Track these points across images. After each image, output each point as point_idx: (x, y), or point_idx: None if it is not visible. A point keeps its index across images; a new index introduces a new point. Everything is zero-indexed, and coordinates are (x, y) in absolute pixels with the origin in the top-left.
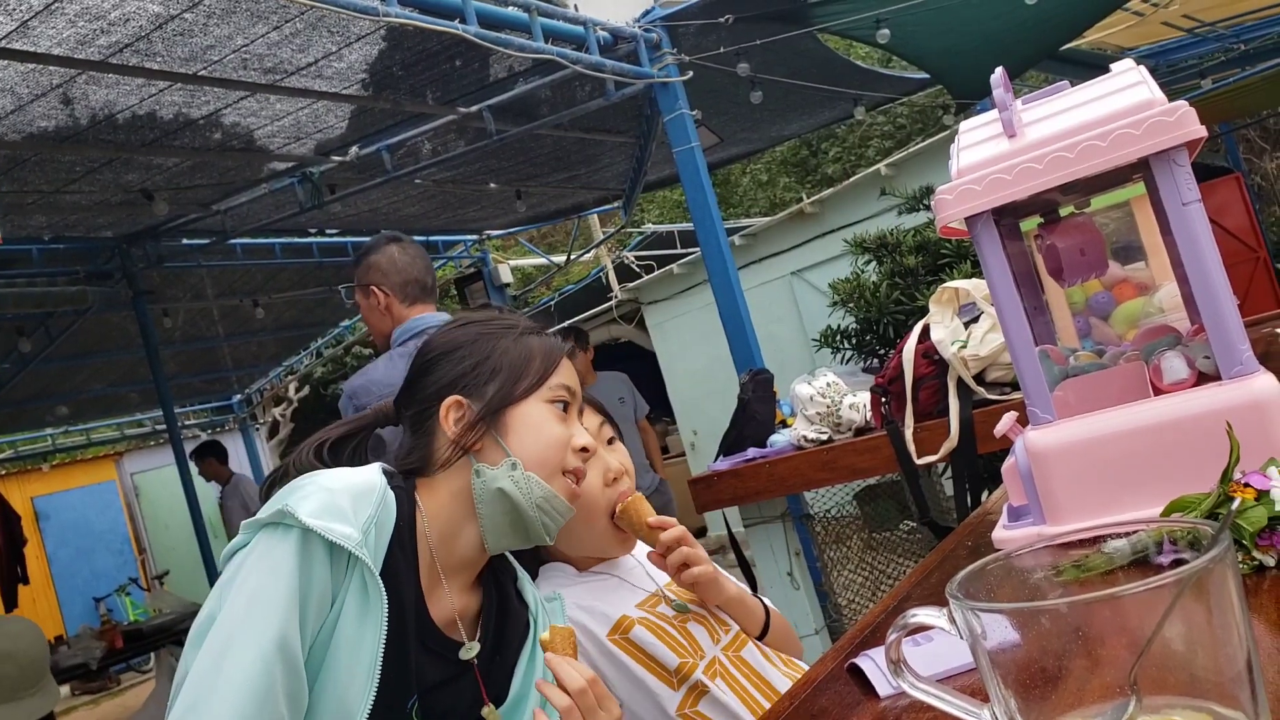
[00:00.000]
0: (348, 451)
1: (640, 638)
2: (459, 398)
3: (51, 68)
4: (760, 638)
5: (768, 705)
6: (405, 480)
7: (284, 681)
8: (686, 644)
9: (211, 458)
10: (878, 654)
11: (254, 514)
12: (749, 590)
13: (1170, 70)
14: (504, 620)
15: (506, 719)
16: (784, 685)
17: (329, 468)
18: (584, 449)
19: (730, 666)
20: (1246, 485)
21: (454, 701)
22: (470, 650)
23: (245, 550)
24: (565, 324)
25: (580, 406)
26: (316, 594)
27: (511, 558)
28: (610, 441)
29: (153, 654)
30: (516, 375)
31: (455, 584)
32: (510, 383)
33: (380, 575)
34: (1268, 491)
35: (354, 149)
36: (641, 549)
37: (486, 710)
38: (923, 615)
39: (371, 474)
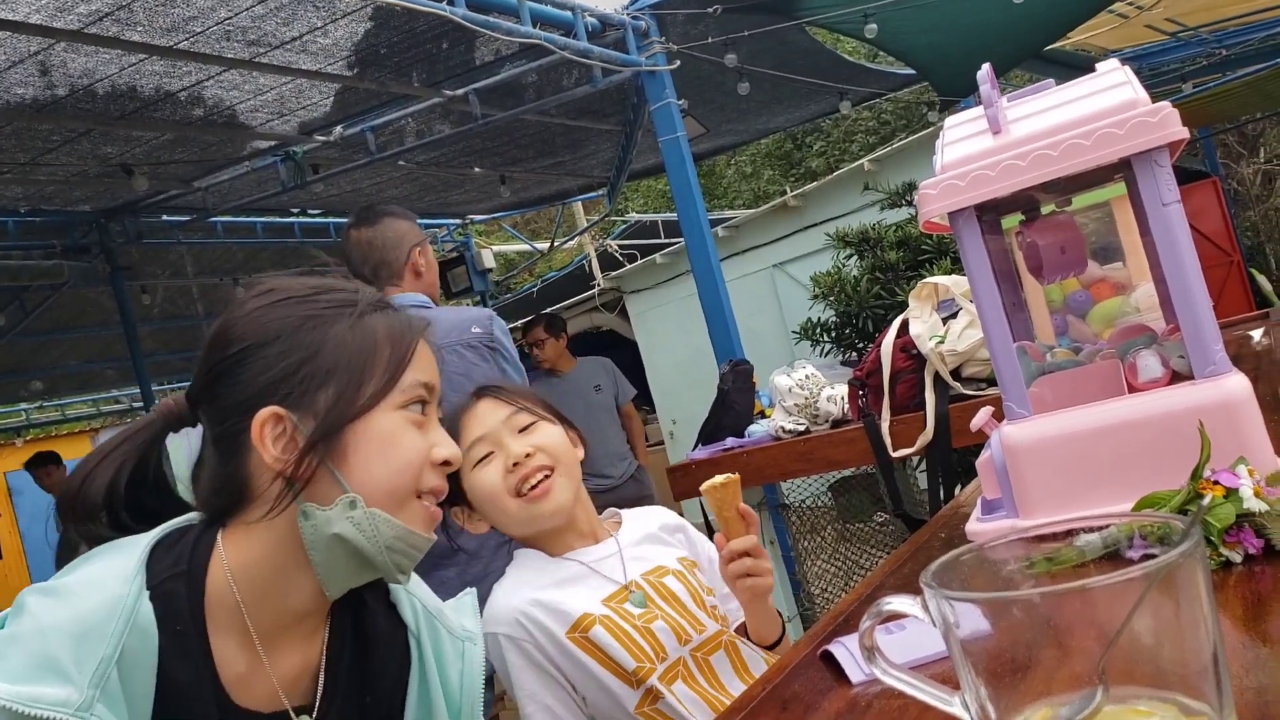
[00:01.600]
0: (150, 471)
1: (599, 638)
2: (278, 410)
3: (29, 36)
4: (771, 647)
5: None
6: (206, 536)
7: None
8: (648, 646)
9: (51, 464)
10: (850, 641)
11: None
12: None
13: (1152, 73)
14: (363, 660)
15: None
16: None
17: (125, 517)
18: (446, 462)
19: (695, 669)
20: (1216, 483)
21: None
22: None
23: None
24: (543, 312)
25: (441, 400)
26: None
27: None
28: (524, 429)
29: None
30: (358, 378)
31: (288, 641)
32: (350, 389)
33: (158, 696)
34: (1236, 489)
35: (338, 129)
36: (627, 536)
37: None
38: (897, 603)
39: (115, 587)
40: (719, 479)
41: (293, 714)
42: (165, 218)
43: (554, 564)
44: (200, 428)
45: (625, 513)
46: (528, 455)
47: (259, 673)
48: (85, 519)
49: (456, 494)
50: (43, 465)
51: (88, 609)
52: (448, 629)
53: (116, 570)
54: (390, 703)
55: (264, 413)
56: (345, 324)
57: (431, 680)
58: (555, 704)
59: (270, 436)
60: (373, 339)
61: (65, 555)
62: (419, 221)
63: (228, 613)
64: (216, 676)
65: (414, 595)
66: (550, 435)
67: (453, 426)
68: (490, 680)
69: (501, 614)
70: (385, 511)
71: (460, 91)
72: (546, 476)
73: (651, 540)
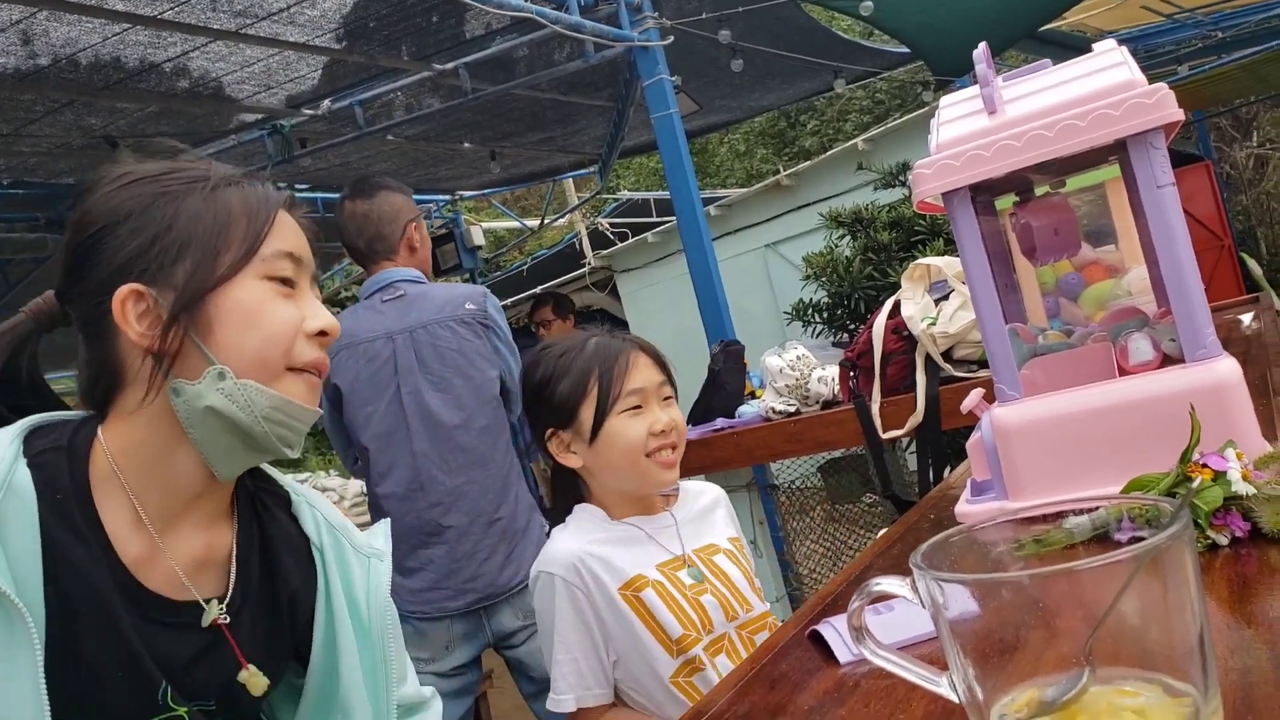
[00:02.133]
0: (23, 373)
1: (649, 600)
2: (137, 286)
3: (10, 4)
4: None
5: None
6: (86, 425)
7: None
8: (695, 617)
9: None
10: (839, 621)
11: None
12: None
13: (1148, 55)
14: (271, 558)
15: (320, 685)
16: None
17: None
18: (322, 333)
19: (739, 645)
20: (1204, 466)
21: (215, 674)
22: (211, 613)
23: None
24: (543, 288)
25: (314, 276)
26: None
27: (282, 479)
28: (666, 400)
29: None
30: (213, 248)
31: (186, 527)
32: (207, 260)
33: (46, 563)
34: (1224, 473)
35: (326, 103)
36: (683, 511)
37: (244, 674)
38: (886, 584)
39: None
40: None
41: (203, 602)
42: None
43: (614, 524)
44: None
45: (683, 484)
46: (672, 428)
47: (159, 556)
48: None
49: (560, 419)
50: None
51: None
52: (353, 545)
53: None
54: (296, 615)
55: (123, 290)
56: (198, 198)
57: (336, 596)
58: (583, 661)
59: (133, 314)
60: (227, 211)
61: None
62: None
63: (116, 494)
64: (115, 556)
65: (317, 509)
66: (680, 416)
67: (610, 361)
68: (478, 660)
69: (560, 557)
70: (262, 381)
71: (450, 65)
72: (674, 450)
73: (705, 517)
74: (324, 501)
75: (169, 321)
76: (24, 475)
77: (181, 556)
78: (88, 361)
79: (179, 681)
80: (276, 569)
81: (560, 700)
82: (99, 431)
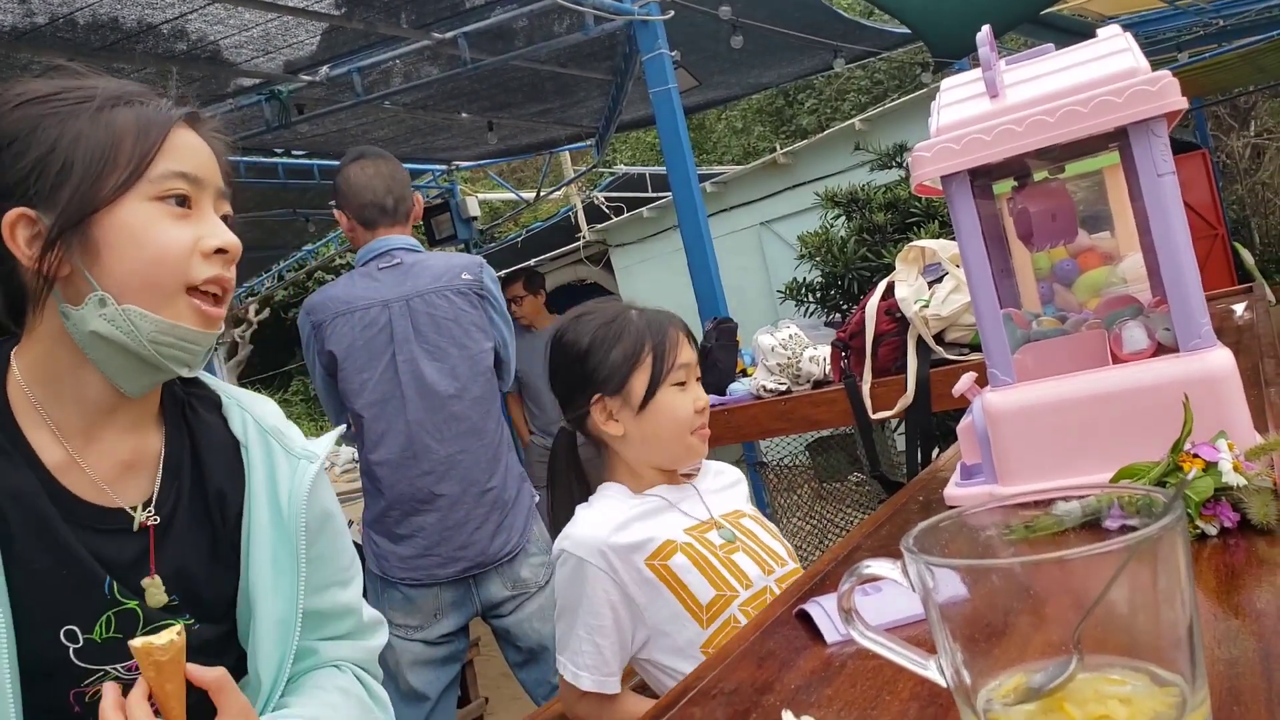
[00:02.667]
0: None
1: (678, 565)
2: (24, 210)
3: None
4: None
5: None
6: (2, 348)
7: None
8: (729, 575)
9: None
10: (826, 601)
11: None
12: None
13: (1148, 41)
14: (199, 460)
15: (252, 594)
16: None
17: None
18: (220, 250)
19: None
20: (1196, 456)
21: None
22: (138, 516)
23: None
24: (522, 266)
25: (219, 193)
26: None
27: (215, 382)
28: (698, 379)
29: None
30: (96, 169)
31: (110, 435)
32: (88, 181)
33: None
34: (1216, 463)
35: (324, 69)
36: (704, 484)
37: (147, 581)
38: (876, 566)
39: None
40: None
41: (128, 509)
42: None
43: (637, 498)
44: None
45: (705, 462)
46: (706, 406)
47: (79, 466)
48: None
49: (610, 387)
50: None
51: None
52: (285, 447)
53: None
54: (224, 517)
55: (11, 214)
56: (85, 118)
57: (258, 495)
58: (606, 648)
59: (22, 237)
60: (113, 130)
61: None
62: (405, 166)
63: (32, 411)
64: (42, 467)
65: (248, 411)
66: (705, 398)
67: (661, 334)
68: (465, 628)
69: (587, 541)
70: (146, 307)
71: (450, 35)
72: (706, 426)
73: (727, 490)
74: (261, 403)
75: (46, 245)
76: None
77: (104, 465)
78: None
79: (127, 581)
80: (204, 469)
81: (577, 675)
82: (10, 355)
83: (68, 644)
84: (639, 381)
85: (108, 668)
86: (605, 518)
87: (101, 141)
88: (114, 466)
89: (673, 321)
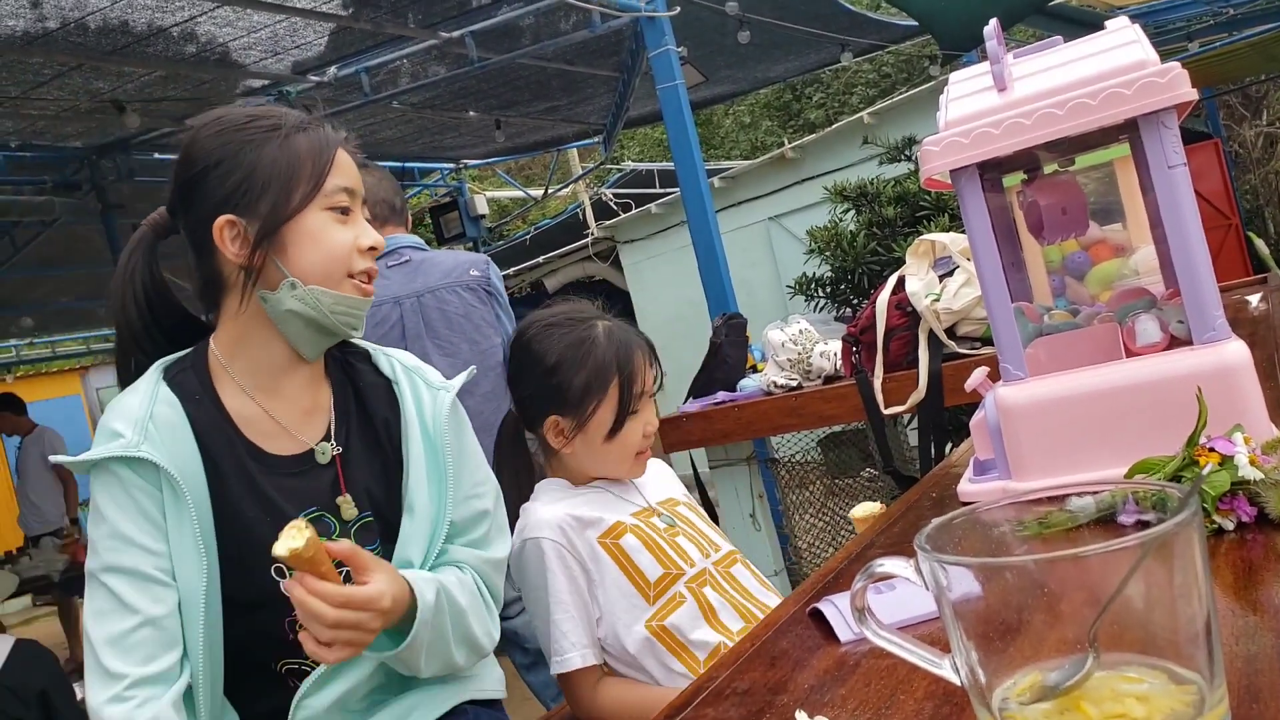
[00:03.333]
0: (155, 278)
1: (628, 545)
2: (231, 217)
3: None
4: None
5: (757, 613)
6: (200, 346)
7: (132, 592)
8: (675, 555)
9: (6, 411)
10: (839, 599)
11: (53, 466)
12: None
13: (1158, 31)
14: (363, 400)
15: (411, 500)
16: (768, 599)
17: (158, 334)
18: (372, 248)
19: (720, 579)
20: (1212, 450)
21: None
22: (325, 452)
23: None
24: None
25: (363, 200)
26: (135, 505)
27: (361, 341)
28: (652, 396)
29: None
30: (287, 188)
31: (290, 392)
32: (282, 197)
33: (199, 445)
34: (1232, 457)
35: (332, 69)
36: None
37: (340, 499)
38: (889, 565)
39: (142, 382)
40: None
41: (314, 446)
42: (157, 155)
43: (581, 489)
44: None
45: None
46: (655, 429)
47: (271, 420)
48: (137, 335)
49: (570, 410)
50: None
51: (127, 401)
52: (426, 381)
53: (140, 382)
54: (390, 440)
55: (220, 220)
56: (274, 145)
57: (411, 420)
58: (581, 620)
59: (228, 238)
60: (297, 155)
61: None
62: (412, 165)
63: (230, 382)
64: (240, 432)
65: (393, 357)
66: (654, 418)
67: (628, 364)
68: None
69: (543, 521)
70: (325, 287)
71: (457, 33)
72: (649, 450)
73: (657, 480)
74: (399, 351)
75: (254, 247)
76: (167, 390)
77: (290, 412)
78: (197, 270)
79: (325, 505)
80: (368, 406)
81: (566, 660)
82: (210, 341)
83: (278, 578)
84: (603, 413)
85: None
86: (554, 503)
87: (289, 164)
88: (298, 414)
89: (639, 345)
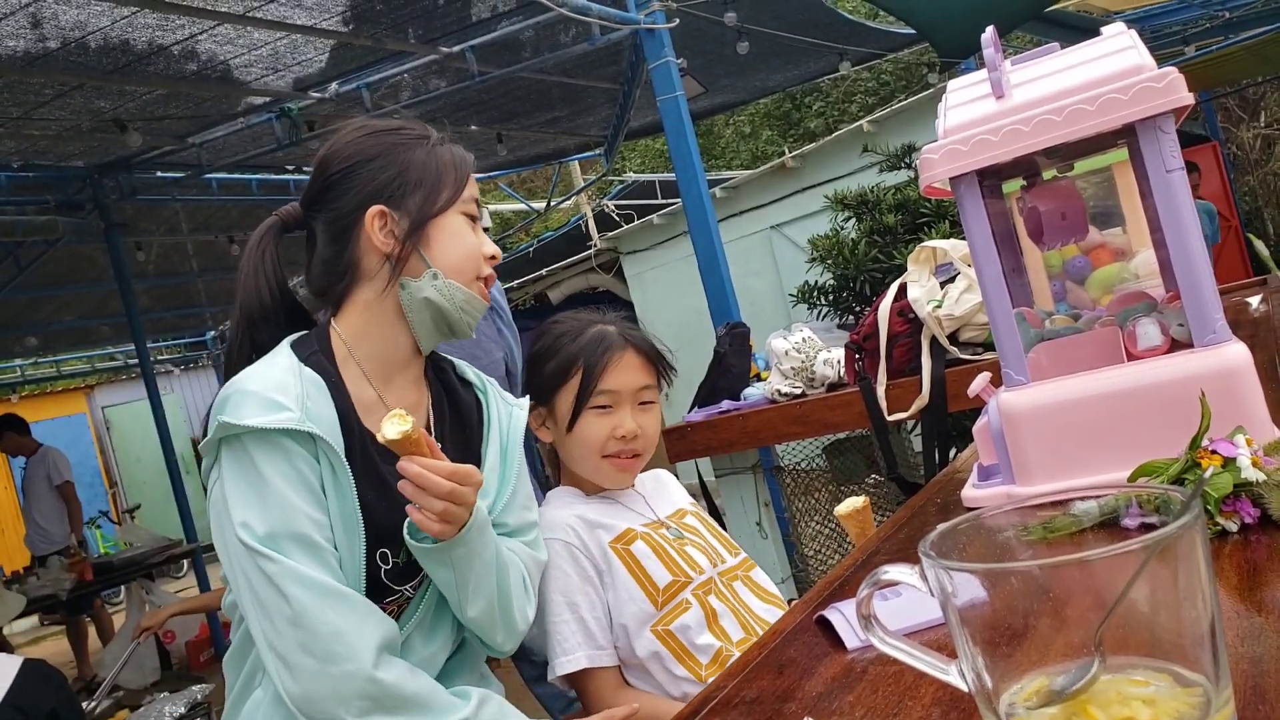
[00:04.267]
0: (278, 268)
1: (638, 551)
2: (383, 208)
3: None
4: None
5: (756, 626)
6: (319, 331)
7: (304, 557)
8: (683, 563)
9: (10, 432)
10: (846, 607)
11: (57, 485)
12: None
13: (1154, 35)
14: (455, 406)
15: (483, 496)
16: (768, 614)
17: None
18: (492, 257)
19: (724, 588)
20: (1214, 452)
21: None
22: None
23: (217, 477)
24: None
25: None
26: (299, 475)
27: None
28: (644, 404)
29: (124, 587)
30: (435, 187)
31: (399, 385)
32: (431, 195)
33: (340, 426)
34: (1234, 459)
35: (333, 85)
36: (645, 487)
37: None
38: (894, 572)
39: (280, 358)
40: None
41: None
42: (160, 174)
43: (590, 498)
44: None
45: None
46: (635, 436)
47: (384, 409)
48: (267, 313)
49: (540, 397)
50: (3, 431)
51: (276, 375)
52: (503, 397)
53: (276, 357)
54: (470, 445)
55: (374, 208)
56: (424, 150)
57: (493, 426)
58: (591, 620)
59: (378, 226)
60: (441, 163)
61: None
62: None
63: (353, 368)
64: (360, 420)
65: (477, 370)
66: (656, 421)
67: (596, 356)
68: None
69: (554, 521)
70: (460, 283)
71: (457, 48)
72: (635, 457)
73: (663, 492)
74: (469, 366)
75: (406, 235)
76: (309, 370)
77: (399, 405)
78: (328, 260)
79: None
80: (460, 409)
81: (569, 660)
82: (332, 324)
83: (380, 565)
84: (564, 401)
85: (404, 588)
86: (565, 506)
87: (437, 169)
88: (405, 407)
89: (620, 346)
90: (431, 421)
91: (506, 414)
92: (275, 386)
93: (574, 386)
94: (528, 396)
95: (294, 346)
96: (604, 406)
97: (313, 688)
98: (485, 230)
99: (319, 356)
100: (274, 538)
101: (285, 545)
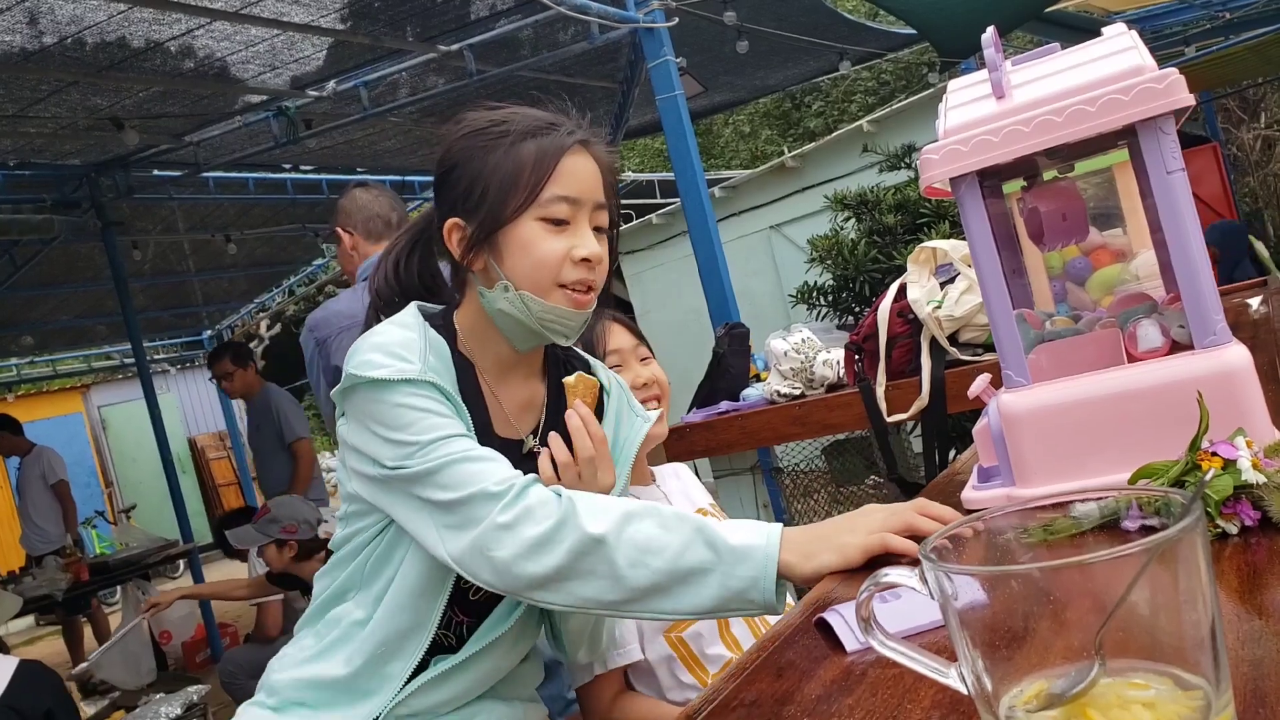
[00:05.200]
0: (416, 261)
1: None
2: (458, 220)
3: None
4: None
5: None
6: (447, 309)
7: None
8: None
9: (4, 431)
10: (845, 609)
11: (52, 485)
12: None
13: (1155, 36)
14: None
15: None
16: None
17: (403, 287)
18: (585, 259)
19: None
20: (1214, 454)
21: None
22: (528, 444)
23: (354, 421)
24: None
25: (592, 212)
26: (448, 410)
27: (580, 353)
28: (644, 360)
29: (120, 587)
30: (504, 195)
31: (514, 381)
32: (498, 204)
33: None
34: (1235, 461)
35: (331, 84)
36: (667, 484)
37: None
38: (894, 574)
39: (407, 316)
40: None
41: (525, 437)
42: (156, 172)
43: None
44: None
45: (657, 469)
46: (646, 383)
47: (497, 404)
48: (397, 293)
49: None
50: None
51: (400, 333)
52: (632, 405)
53: (404, 318)
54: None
55: (450, 222)
56: (502, 151)
57: (609, 434)
58: None
59: (455, 239)
60: (519, 162)
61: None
62: (412, 178)
63: (469, 359)
64: (474, 408)
65: (610, 373)
66: (660, 371)
67: (589, 339)
68: None
69: None
70: (535, 294)
71: (455, 46)
72: (658, 400)
73: (685, 490)
74: (599, 363)
75: (468, 248)
76: (434, 334)
77: (512, 402)
78: (449, 260)
79: None
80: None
81: (628, 650)
82: (455, 316)
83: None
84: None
85: None
86: None
87: (510, 172)
88: (517, 404)
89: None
90: (543, 419)
91: (630, 424)
92: (399, 341)
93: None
94: (656, 410)
95: (425, 314)
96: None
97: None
98: (597, 229)
99: (443, 332)
100: (444, 457)
101: (465, 444)
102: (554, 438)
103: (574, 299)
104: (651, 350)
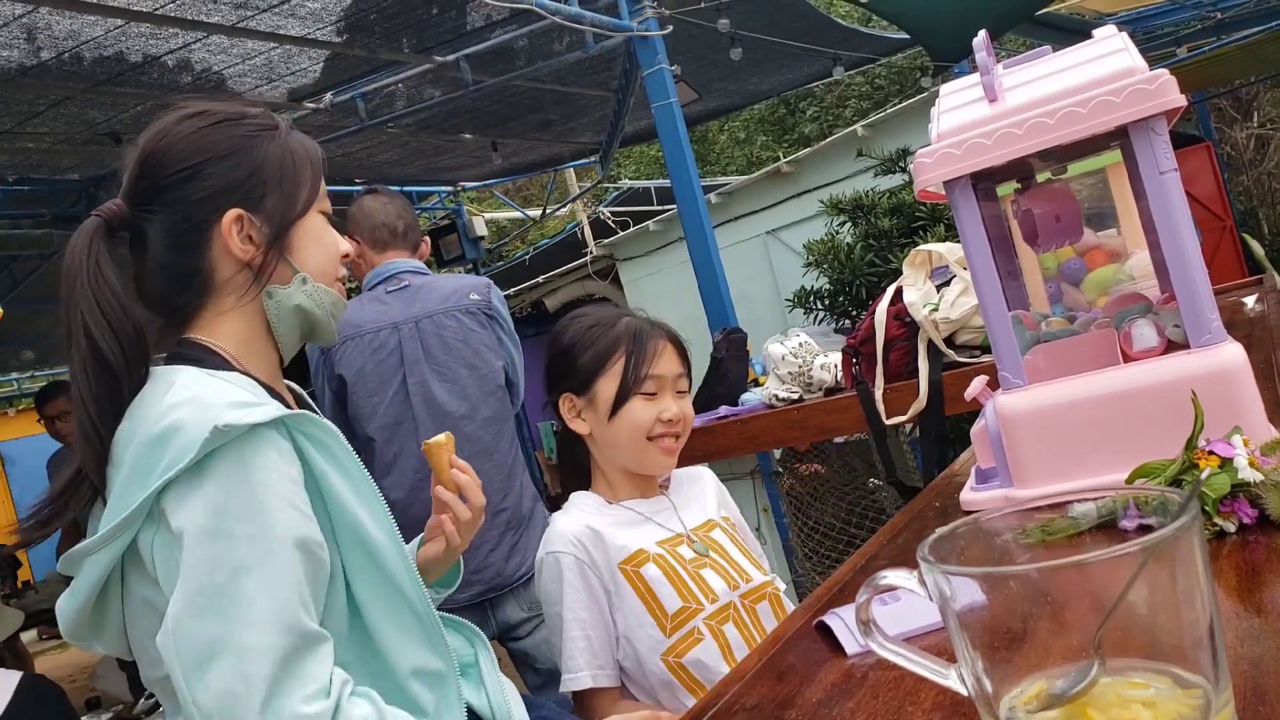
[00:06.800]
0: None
1: (649, 574)
2: (241, 212)
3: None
4: None
5: None
6: (187, 344)
7: (308, 571)
8: (696, 589)
9: (61, 397)
10: (845, 612)
11: None
12: None
13: (1147, 37)
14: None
15: None
16: None
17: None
18: (345, 254)
19: (744, 615)
20: (1211, 453)
21: None
22: None
23: (200, 489)
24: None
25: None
26: (292, 476)
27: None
28: (680, 392)
29: None
30: (294, 186)
31: (281, 390)
32: (291, 195)
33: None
34: (1231, 459)
35: (327, 96)
36: (677, 495)
37: None
38: (893, 577)
39: (209, 380)
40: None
41: None
42: None
43: (612, 508)
44: None
45: (675, 472)
46: (672, 419)
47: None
48: (127, 348)
49: (577, 386)
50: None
51: (221, 386)
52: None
53: (198, 376)
54: None
55: (231, 213)
56: (277, 144)
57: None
58: (595, 638)
59: (235, 232)
60: (298, 156)
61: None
62: (410, 189)
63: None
64: None
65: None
66: (690, 409)
67: (639, 345)
68: None
69: (562, 535)
70: (323, 286)
71: (451, 57)
72: (676, 439)
73: (699, 499)
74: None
75: (269, 242)
76: (235, 374)
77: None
78: (169, 267)
79: None
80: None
81: (575, 678)
82: (204, 341)
83: None
84: (605, 388)
85: None
86: (580, 517)
87: (293, 165)
88: None
89: (659, 335)
90: None
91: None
92: (230, 393)
93: (617, 373)
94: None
95: (190, 365)
96: (650, 393)
97: None
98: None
99: (224, 373)
100: (295, 544)
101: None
102: (452, 498)
103: (344, 292)
104: (691, 380)
